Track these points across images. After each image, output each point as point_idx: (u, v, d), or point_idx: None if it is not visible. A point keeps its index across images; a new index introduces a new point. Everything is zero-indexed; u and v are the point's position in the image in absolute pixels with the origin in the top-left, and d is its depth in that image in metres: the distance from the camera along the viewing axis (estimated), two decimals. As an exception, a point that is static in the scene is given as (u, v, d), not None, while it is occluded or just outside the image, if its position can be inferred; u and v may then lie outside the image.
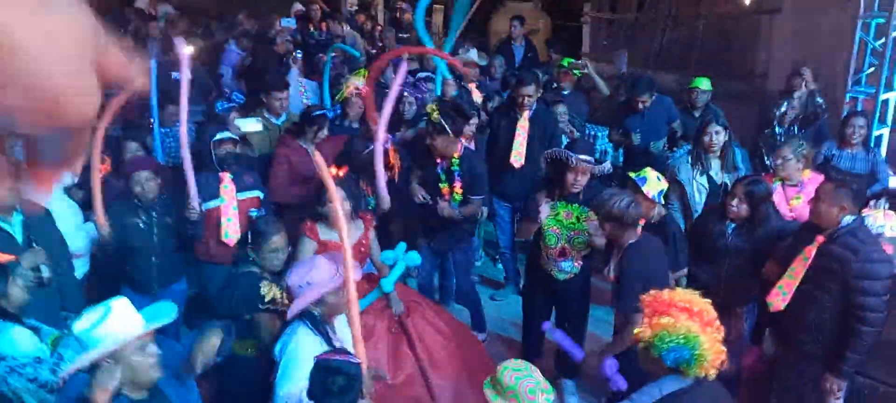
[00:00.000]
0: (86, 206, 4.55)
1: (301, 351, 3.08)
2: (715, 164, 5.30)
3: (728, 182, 5.19)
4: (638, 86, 6.39)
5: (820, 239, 3.80)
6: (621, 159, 6.83)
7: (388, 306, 4.38)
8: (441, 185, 5.13)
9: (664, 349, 2.54)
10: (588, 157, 4.51)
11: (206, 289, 4.73)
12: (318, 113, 5.69)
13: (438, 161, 5.10)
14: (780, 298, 3.89)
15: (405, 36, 10.19)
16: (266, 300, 3.54)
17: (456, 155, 5.05)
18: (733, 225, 4.35)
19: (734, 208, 4.29)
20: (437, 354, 4.33)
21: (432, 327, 4.44)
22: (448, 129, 4.90)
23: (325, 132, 5.62)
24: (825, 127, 6.51)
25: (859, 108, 6.77)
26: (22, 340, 3.07)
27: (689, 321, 2.55)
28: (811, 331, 3.86)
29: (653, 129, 6.40)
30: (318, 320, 3.23)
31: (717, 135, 5.22)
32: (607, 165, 4.74)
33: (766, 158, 5.90)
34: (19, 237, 3.83)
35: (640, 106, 6.29)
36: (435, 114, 4.95)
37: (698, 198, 5.28)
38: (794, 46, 7.68)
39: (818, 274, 3.78)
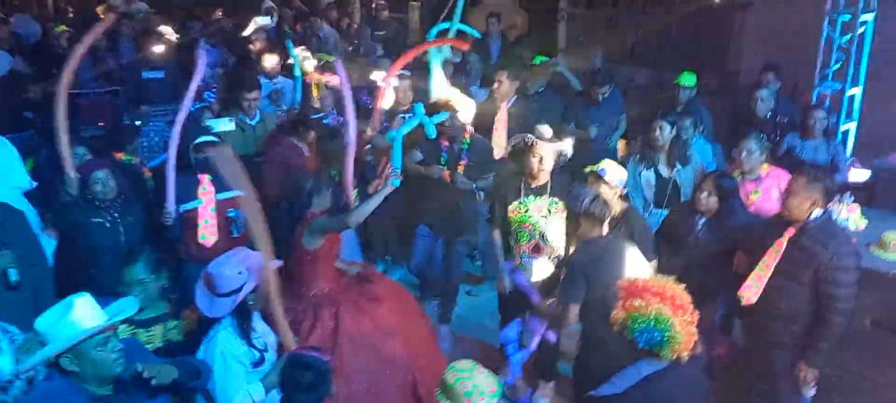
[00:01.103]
0: (43, 213, 4.53)
1: (229, 356, 3.18)
2: (661, 159, 5.37)
3: (677, 179, 5.30)
4: (598, 76, 6.51)
5: (790, 231, 3.86)
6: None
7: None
8: (443, 168, 5.27)
9: (636, 330, 2.62)
10: (555, 143, 4.51)
11: (187, 287, 4.67)
12: (315, 116, 5.76)
13: (444, 144, 5.25)
14: (752, 291, 3.95)
15: (381, 34, 10.19)
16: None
17: (467, 135, 5.27)
18: (704, 220, 4.42)
19: (704, 201, 4.37)
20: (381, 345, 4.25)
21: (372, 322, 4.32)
22: (455, 108, 5.20)
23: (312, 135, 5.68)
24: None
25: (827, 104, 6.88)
26: None
27: (660, 304, 2.63)
28: (783, 322, 3.92)
29: (607, 123, 6.56)
30: (248, 310, 3.29)
31: (662, 131, 5.29)
32: (568, 146, 4.65)
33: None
34: (-14, 239, 3.79)
35: (600, 97, 6.41)
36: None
37: (646, 192, 5.35)
38: (764, 42, 7.79)
39: (789, 266, 3.84)
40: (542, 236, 4.57)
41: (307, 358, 2.84)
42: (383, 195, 4.21)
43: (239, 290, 3.21)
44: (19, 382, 3.06)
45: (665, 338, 2.62)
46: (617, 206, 4.32)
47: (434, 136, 5.06)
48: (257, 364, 3.27)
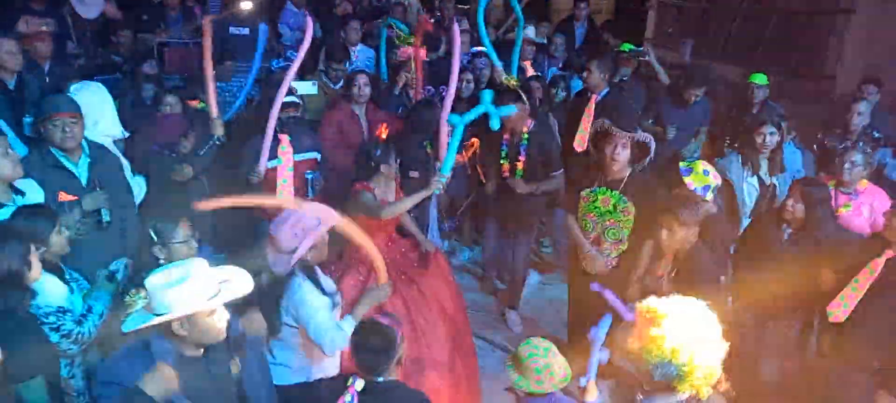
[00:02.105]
0: (132, 161, 4.63)
1: (309, 298, 3.40)
2: (764, 165, 5.13)
3: (777, 183, 5.05)
4: (694, 79, 6.21)
5: (889, 253, 3.73)
6: None
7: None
8: (502, 162, 5.15)
9: (651, 362, 2.40)
10: (628, 128, 4.33)
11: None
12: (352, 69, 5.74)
13: (505, 137, 5.09)
14: (841, 309, 3.83)
15: (465, 7, 10.07)
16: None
17: (525, 129, 5.07)
18: (789, 232, 4.22)
19: (790, 208, 4.16)
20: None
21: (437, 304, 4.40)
22: (525, 101, 4.99)
23: (365, 90, 5.63)
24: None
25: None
26: (51, 290, 3.11)
27: (679, 335, 2.38)
28: (871, 345, 3.79)
29: (688, 128, 6.27)
30: (310, 267, 3.49)
31: (771, 137, 5.03)
32: (648, 137, 4.43)
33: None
34: (84, 179, 3.91)
35: (692, 99, 6.11)
36: (513, 82, 4.95)
37: (748, 199, 5.12)
38: (865, 50, 7.39)
39: (883, 289, 3.69)
40: (605, 231, 4.44)
41: (379, 324, 3.01)
42: (421, 197, 4.34)
43: (295, 249, 3.41)
44: (93, 316, 3.15)
45: (682, 373, 2.38)
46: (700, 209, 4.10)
47: (497, 129, 4.85)
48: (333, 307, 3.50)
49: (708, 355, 2.39)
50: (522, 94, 5.13)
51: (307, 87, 5.78)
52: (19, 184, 3.58)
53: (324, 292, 3.48)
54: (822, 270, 4.10)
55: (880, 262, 3.71)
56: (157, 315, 2.51)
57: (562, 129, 6.26)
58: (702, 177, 4.20)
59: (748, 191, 5.12)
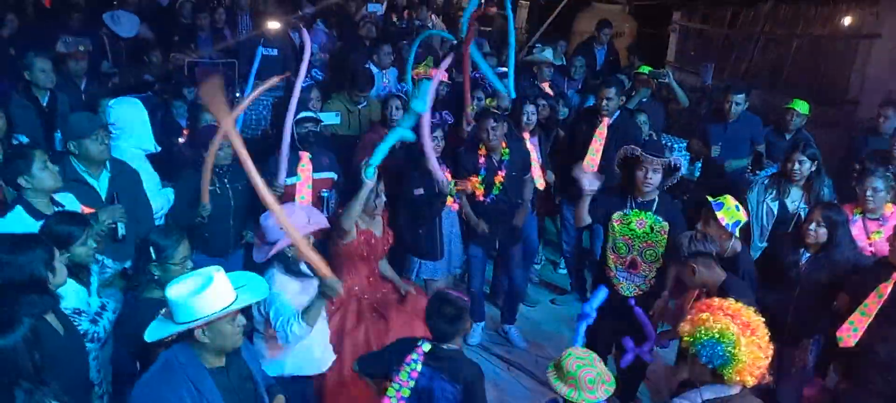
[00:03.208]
0: (163, 173, 4.76)
1: (280, 290, 3.57)
2: (795, 193, 5.07)
3: (802, 213, 4.99)
4: (734, 86, 6.23)
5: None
6: (697, 174, 6.67)
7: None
8: (477, 187, 5.21)
9: (699, 344, 2.57)
10: (658, 153, 4.37)
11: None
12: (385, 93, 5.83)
13: (482, 160, 5.19)
14: (851, 334, 3.78)
15: (488, 29, 10.21)
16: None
17: (504, 145, 5.20)
18: (808, 255, 4.23)
19: (812, 232, 4.16)
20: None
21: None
22: (497, 121, 5.10)
23: (399, 113, 5.69)
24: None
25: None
26: (66, 292, 3.18)
27: (729, 321, 2.58)
28: (881, 370, 3.74)
29: (734, 145, 6.20)
30: (291, 260, 3.65)
31: (801, 165, 4.98)
32: (680, 161, 4.52)
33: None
34: (103, 193, 4.06)
35: (733, 108, 6.11)
36: (492, 104, 5.06)
37: (766, 221, 5.09)
38: (891, 74, 7.36)
39: (893, 313, 3.65)
40: (642, 253, 4.46)
41: (450, 296, 3.39)
42: (364, 195, 4.24)
43: (275, 242, 3.58)
44: (108, 313, 3.27)
45: (728, 356, 2.55)
46: (728, 244, 4.15)
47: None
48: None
49: (754, 344, 2.55)
50: (498, 114, 5.23)
51: (331, 117, 5.89)
52: (59, 197, 3.72)
53: (304, 276, 3.67)
54: (840, 294, 4.10)
55: (889, 287, 3.67)
56: (181, 323, 2.59)
57: (561, 144, 6.33)
58: (734, 213, 4.18)
59: (766, 214, 5.09)
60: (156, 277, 3.18)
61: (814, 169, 5.02)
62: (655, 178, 4.35)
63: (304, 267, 3.72)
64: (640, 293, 4.47)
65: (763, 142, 6.30)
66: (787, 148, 5.35)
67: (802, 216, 4.95)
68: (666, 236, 4.39)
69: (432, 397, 3.27)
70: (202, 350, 2.67)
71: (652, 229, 4.40)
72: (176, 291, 2.59)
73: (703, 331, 2.58)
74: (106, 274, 3.51)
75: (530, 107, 5.72)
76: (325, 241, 4.42)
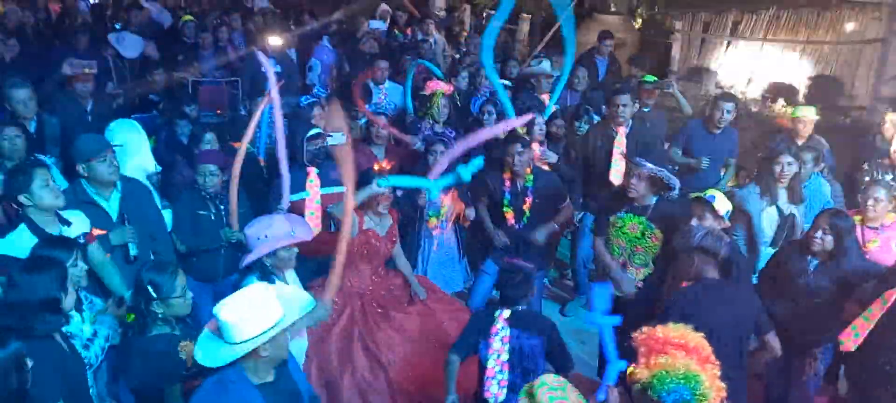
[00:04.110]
0: (163, 192, 4.77)
1: None
2: (782, 195, 5.08)
3: (795, 213, 5.02)
4: (724, 95, 6.21)
5: None
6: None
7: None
8: (505, 209, 5.13)
9: (663, 391, 2.42)
10: (646, 162, 4.36)
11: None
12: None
13: (507, 184, 5.12)
14: (851, 339, 3.75)
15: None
16: (188, 365, 3.09)
17: (528, 171, 5.09)
18: (816, 263, 4.20)
19: (818, 240, 4.13)
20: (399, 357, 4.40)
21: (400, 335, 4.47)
22: (528, 144, 5.03)
23: (384, 132, 5.82)
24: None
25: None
26: None
27: (686, 359, 2.45)
28: (882, 378, 3.70)
29: (718, 157, 6.22)
30: (268, 270, 3.66)
31: (789, 167, 4.98)
32: (673, 181, 4.45)
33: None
34: (114, 214, 4.05)
35: (723, 116, 6.08)
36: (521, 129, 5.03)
37: (769, 230, 5.07)
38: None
39: (893, 322, 3.62)
40: (632, 255, 4.49)
41: (518, 265, 3.88)
42: (365, 194, 4.33)
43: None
44: (99, 340, 3.29)
45: (695, 396, 2.42)
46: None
47: (468, 181, 4.77)
48: None
49: (714, 375, 2.46)
50: (525, 139, 5.17)
51: (337, 138, 5.88)
52: (67, 215, 3.71)
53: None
54: (848, 302, 4.06)
55: (893, 294, 3.63)
56: (245, 341, 2.63)
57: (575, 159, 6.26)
58: (724, 202, 4.30)
59: (768, 221, 5.07)
60: (160, 314, 3.16)
61: (797, 170, 5.03)
62: (639, 186, 4.38)
63: (283, 278, 3.76)
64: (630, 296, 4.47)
65: (737, 155, 6.33)
66: (772, 150, 5.31)
67: (796, 215, 4.95)
68: (658, 243, 4.41)
69: (523, 353, 3.73)
70: (256, 365, 2.71)
71: (643, 234, 4.44)
72: (233, 311, 2.63)
73: (665, 376, 2.43)
74: (95, 308, 3.49)
75: (539, 119, 5.71)
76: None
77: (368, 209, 4.51)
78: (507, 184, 5.15)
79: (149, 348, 3.11)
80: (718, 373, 2.50)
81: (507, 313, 3.73)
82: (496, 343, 3.70)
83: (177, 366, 3.06)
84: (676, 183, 4.42)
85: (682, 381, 2.41)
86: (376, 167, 4.64)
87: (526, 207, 5.11)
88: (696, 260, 3.80)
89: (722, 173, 6.35)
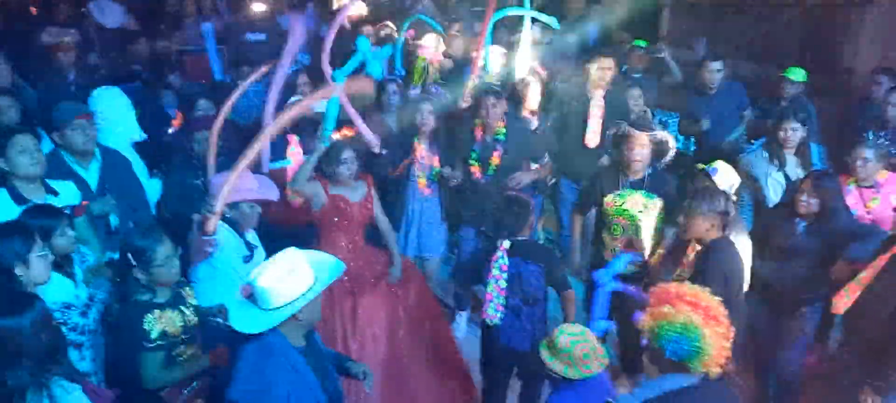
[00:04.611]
0: (152, 162, 4.70)
1: (225, 245, 3.74)
2: (792, 161, 5.08)
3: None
4: (709, 54, 6.26)
5: (894, 249, 3.65)
6: (692, 149, 6.63)
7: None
8: (471, 163, 5.06)
9: (663, 339, 2.46)
10: (656, 131, 4.39)
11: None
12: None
13: (478, 137, 5.05)
14: (842, 301, 3.77)
15: (479, 10, 10.09)
16: (152, 336, 3.04)
17: (502, 125, 5.03)
18: (804, 224, 4.20)
19: (804, 202, 4.13)
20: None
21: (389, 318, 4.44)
22: (499, 96, 5.01)
23: (395, 97, 5.70)
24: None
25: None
26: (55, 285, 3.16)
27: (691, 312, 2.47)
28: (865, 342, 3.72)
29: (722, 116, 6.19)
30: (229, 222, 3.75)
31: (794, 132, 5.00)
32: (668, 136, 4.49)
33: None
34: (93, 184, 3.99)
35: (712, 76, 6.11)
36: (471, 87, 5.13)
37: (774, 195, 5.06)
38: (885, 42, 7.32)
39: (882, 286, 3.63)
40: (637, 231, 4.43)
41: (514, 196, 4.21)
42: (314, 159, 4.24)
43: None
44: (96, 304, 3.24)
45: (694, 349, 2.44)
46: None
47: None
48: (247, 259, 3.82)
49: (718, 333, 2.46)
50: (499, 91, 5.11)
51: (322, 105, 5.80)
52: (55, 184, 3.66)
53: (246, 245, 3.84)
54: (838, 262, 4.07)
55: (884, 259, 3.64)
56: (280, 308, 2.65)
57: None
58: (728, 175, 4.25)
59: (773, 186, 5.07)
60: (143, 282, 3.09)
61: (805, 134, 5.03)
62: (643, 155, 4.35)
63: (247, 235, 3.85)
64: (637, 268, 4.43)
65: (749, 108, 6.29)
66: (778, 116, 5.32)
67: None
68: (661, 211, 4.39)
69: (522, 280, 3.97)
70: (291, 330, 2.73)
71: (646, 206, 4.39)
72: (270, 278, 2.65)
73: (665, 325, 2.46)
74: (87, 262, 3.46)
75: (534, 90, 5.64)
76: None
77: (334, 181, 4.38)
78: (478, 136, 5.08)
79: (119, 315, 3.09)
80: (724, 334, 2.49)
81: (507, 243, 3.96)
82: (495, 270, 3.94)
83: (140, 336, 3.00)
84: (672, 143, 4.42)
85: (680, 332, 2.44)
86: (338, 134, 4.55)
87: (494, 160, 5.03)
88: (710, 224, 3.83)
89: (731, 129, 6.28)
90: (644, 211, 4.40)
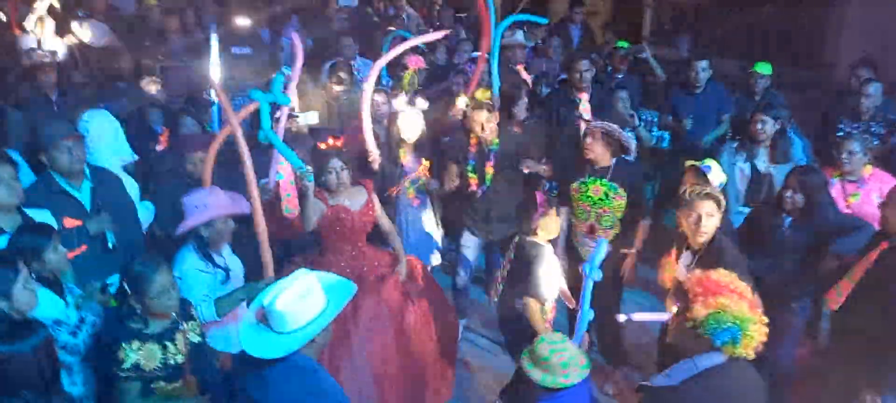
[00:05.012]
0: (144, 186, 4.69)
1: (188, 270, 3.70)
2: (762, 153, 5.16)
3: (773, 173, 5.07)
4: (696, 53, 6.27)
5: (883, 244, 3.68)
6: (665, 144, 6.66)
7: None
8: (470, 175, 5.13)
9: (719, 329, 2.54)
10: (605, 123, 4.49)
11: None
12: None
13: (472, 148, 5.11)
14: (835, 297, 3.82)
15: (463, 15, 10.15)
16: (124, 366, 2.96)
17: (495, 136, 5.09)
18: (790, 219, 4.23)
19: (789, 199, 4.17)
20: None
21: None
22: (493, 109, 5.05)
23: (385, 107, 5.68)
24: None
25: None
26: (45, 303, 3.11)
27: (740, 302, 2.58)
28: (860, 339, 3.73)
29: (704, 117, 6.26)
30: (205, 241, 3.75)
31: (764, 125, 5.08)
32: (628, 139, 4.56)
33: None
34: (87, 203, 3.96)
35: (699, 75, 6.16)
36: (487, 96, 5.01)
37: (740, 185, 5.15)
38: (863, 35, 7.40)
39: (873, 282, 3.67)
40: (599, 218, 4.58)
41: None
42: (309, 199, 4.16)
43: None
44: (86, 326, 3.23)
45: (745, 336, 2.56)
46: None
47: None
48: (224, 282, 3.79)
49: (762, 320, 2.59)
50: (491, 105, 5.17)
51: (310, 118, 5.81)
52: (31, 213, 3.61)
53: (214, 266, 3.79)
54: (826, 256, 4.11)
55: (874, 254, 3.68)
56: (299, 332, 2.65)
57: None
58: (720, 174, 4.35)
59: (738, 177, 5.14)
60: (138, 310, 3.02)
61: (778, 128, 5.10)
62: (596, 147, 4.49)
63: (216, 256, 3.81)
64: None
65: (731, 109, 6.36)
66: (751, 109, 5.41)
67: (773, 176, 5.00)
68: (622, 202, 4.52)
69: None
70: (306, 351, 2.72)
71: (607, 195, 4.54)
72: (287, 300, 2.64)
73: (722, 316, 2.55)
74: (74, 295, 3.41)
75: (523, 100, 5.70)
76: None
77: (329, 191, 4.36)
78: (473, 148, 5.15)
79: (105, 338, 3.04)
80: (764, 320, 2.61)
81: (517, 239, 4.14)
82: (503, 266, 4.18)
83: (112, 363, 2.93)
84: (632, 144, 4.54)
85: (736, 321, 2.54)
86: (324, 145, 4.55)
87: (488, 170, 5.12)
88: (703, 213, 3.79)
89: (711, 129, 6.33)
90: (605, 199, 4.54)
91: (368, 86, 4.90)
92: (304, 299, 2.66)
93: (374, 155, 4.95)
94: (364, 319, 4.22)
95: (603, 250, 3.57)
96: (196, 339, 3.22)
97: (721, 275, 2.69)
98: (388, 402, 4.17)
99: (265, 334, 2.68)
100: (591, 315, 3.46)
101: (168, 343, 3.07)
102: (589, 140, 4.55)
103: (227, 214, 3.80)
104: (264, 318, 2.69)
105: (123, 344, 2.95)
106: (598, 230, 4.59)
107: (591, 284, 3.48)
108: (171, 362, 3.06)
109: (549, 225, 4.11)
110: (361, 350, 4.14)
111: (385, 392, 4.16)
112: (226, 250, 3.92)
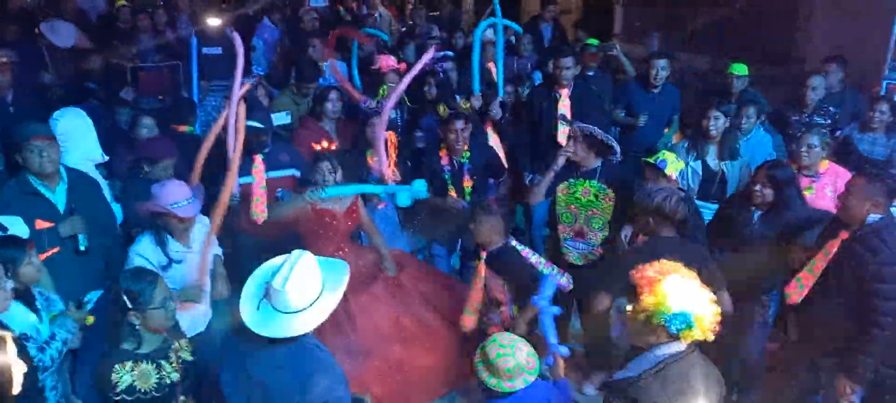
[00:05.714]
0: (114, 185, 4.65)
1: (138, 248, 3.77)
2: (712, 151, 5.22)
3: (725, 170, 5.15)
4: (656, 52, 6.37)
5: (843, 234, 3.73)
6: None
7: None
8: (450, 189, 5.14)
9: (669, 316, 2.54)
10: (586, 125, 4.47)
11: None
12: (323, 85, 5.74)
13: (444, 162, 5.11)
14: (796, 291, 3.86)
15: (436, 14, 10.16)
16: (118, 389, 2.86)
17: (465, 148, 5.09)
18: (759, 213, 4.30)
19: (758, 193, 4.23)
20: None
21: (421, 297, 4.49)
22: (467, 120, 5.06)
23: (337, 105, 5.67)
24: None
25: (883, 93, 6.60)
26: (15, 316, 3.08)
27: (684, 286, 2.58)
28: (826, 329, 3.80)
29: (659, 115, 6.34)
30: (159, 228, 3.77)
31: (716, 121, 5.14)
32: (594, 129, 4.53)
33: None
34: (61, 205, 3.91)
35: (658, 74, 6.22)
36: (466, 106, 5.01)
37: (692, 182, 5.20)
38: (831, 30, 7.51)
39: (837, 271, 3.72)
40: (588, 221, 4.53)
41: (492, 209, 4.16)
42: (292, 206, 4.32)
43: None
44: (56, 343, 3.18)
45: (695, 320, 2.55)
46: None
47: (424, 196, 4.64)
48: (165, 268, 3.73)
49: (711, 299, 2.59)
50: (466, 115, 5.21)
51: (281, 118, 5.78)
52: (3, 220, 3.55)
53: (166, 255, 3.77)
54: (793, 249, 4.16)
55: (835, 244, 3.73)
56: (307, 309, 2.68)
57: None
58: (676, 164, 4.40)
59: (692, 175, 5.20)
60: (137, 326, 2.93)
61: (727, 125, 5.16)
62: (578, 148, 4.47)
63: (171, 249, 3.79)
64: (588, 260, 4.57)
65: (679, 112, 6.47)
66: (704, 106, 5.46)
67: (725, 172, 5.11)
68: (612, 203, 4.48)
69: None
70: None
71: (596, 197, 4.50)
72: (295, 283, 2.65)
73: (672, 302, 2.54)
74: (54, 307, 3.38)
75: (498, 101, 5.74)
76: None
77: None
78: (444, 160, 5.16)
79: (96, 364, 2.94)
80: (715, 302, 2.61)
81: (484, 255, 4.09)
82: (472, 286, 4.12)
83: (105, 386, 2.85)
84: (617, 144, 4.50)
85: (685, 307, 2.54)
86: (318, 147, 4.55)
87: (466, 185, 5.14)
88: (652, 219, 3.87)
89: (665, 131, 6.47)
90: (595, 201, 4.51)
91: (383, 117, 4.85)
92: (311, 280, 2.70)
93: (388, 177, 4.93)
94: (359, 316, 4.24)
95: (553, 284, 3.61)
96: (189, 357, 3.14)
97: (663, 265, 2.69)
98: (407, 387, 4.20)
99: (270, 314, 2.68)
100: (564, 350, 3.43)
101: (162, 362, 2.99)
102: (571, 143, 4.52)
103: (166, 212, 3.70)
104: (269, 299, 2.70)
105: (116, 367, 2.86)
106: (589, 232, 4.56)
107: (549, 318, 3.50)
108: (166, 381, 2.98)
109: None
110: (359, 352, 4.14)
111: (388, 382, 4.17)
112: (196, 243, 3.88)
